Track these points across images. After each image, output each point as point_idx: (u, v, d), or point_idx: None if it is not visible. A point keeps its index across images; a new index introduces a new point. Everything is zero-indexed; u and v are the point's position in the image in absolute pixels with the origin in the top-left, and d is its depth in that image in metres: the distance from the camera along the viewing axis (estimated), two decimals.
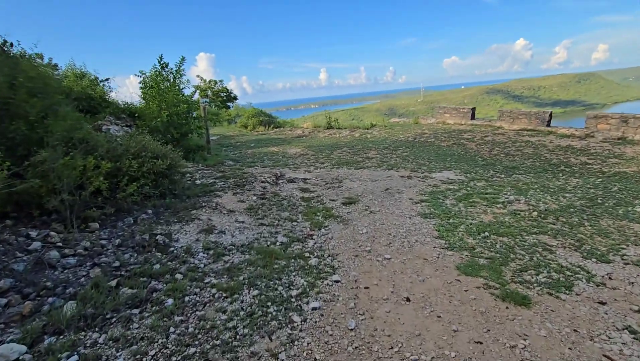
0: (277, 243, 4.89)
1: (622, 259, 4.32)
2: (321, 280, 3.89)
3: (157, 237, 4.69)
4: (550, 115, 13.73)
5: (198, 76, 28.30)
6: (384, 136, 15.15)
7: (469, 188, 7.47)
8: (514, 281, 3.76)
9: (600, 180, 8.00)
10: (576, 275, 3.90)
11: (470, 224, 5.50)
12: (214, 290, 3.60)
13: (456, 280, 3.81)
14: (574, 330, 2.94)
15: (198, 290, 3.61)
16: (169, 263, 4.15)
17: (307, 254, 4.55)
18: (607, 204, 6.38)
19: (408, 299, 3.46)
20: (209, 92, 30.23)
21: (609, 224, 5.49)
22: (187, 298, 3.44)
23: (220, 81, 31.27)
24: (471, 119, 16.66)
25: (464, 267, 4.07)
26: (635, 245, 4.77)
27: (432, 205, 6.41)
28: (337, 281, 3.85)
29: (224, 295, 3.53)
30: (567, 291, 3.56)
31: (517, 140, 12.51)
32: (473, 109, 16.89)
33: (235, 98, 32.15)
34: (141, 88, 9.96)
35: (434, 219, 5.76)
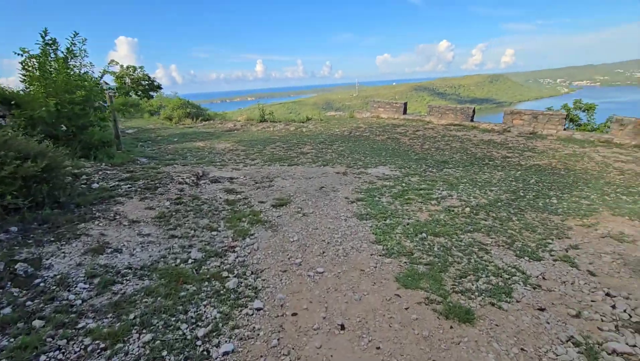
0: (189, 261, 4.01)
1: (551, 255, 4.32)
2: (239, 309, 3.15)
3: (16, 266, 3.49)
4: (474, 111, 14.57)
5: (113, 61, 24.79)
6: (319, 130, 14.70)
7: (404, 184, 7.29)
8: (455, 291, 3.44)
9: (519, 172, 8.44)
10: (513, 278, 3.74)
11: (407, 224, 5.20)
12: (87, 340, 2.66)
13: (396, 295, 3.37)
14: (522, 349, 2.66)
15: (64, 341, 2.63)
16: (29, 303, 3.05)
17: (225, 273, 3.77)
18: (528, 197, 6.64)
19: (342, 326, 2.91)
20: (127, 80, 26.89)
21: (533, 217, 5.63)
22: (42, 359, 2.45)
23: (141, 67, 27.98)
24: (403, 114, 17.05)
25: (403, 277, 3.66)
26: (559, 238, 4.88)
27: (369, 204, 6.03)
28: (259, 309, 3.16)
29: (102, 346, 2.61)
30: (508, 299, 3.34)
31: (445, 135, 12.97)
32: (405, 104, 17.30)
33: (159, 87, 29.08)
34: (22, 70, 8.01)
35: (370, 220, 5.36)
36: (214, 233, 4.84)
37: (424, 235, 4.81)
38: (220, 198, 6.25)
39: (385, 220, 5.34)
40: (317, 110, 28.45)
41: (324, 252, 4.32)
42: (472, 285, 3.58)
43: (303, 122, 16.94)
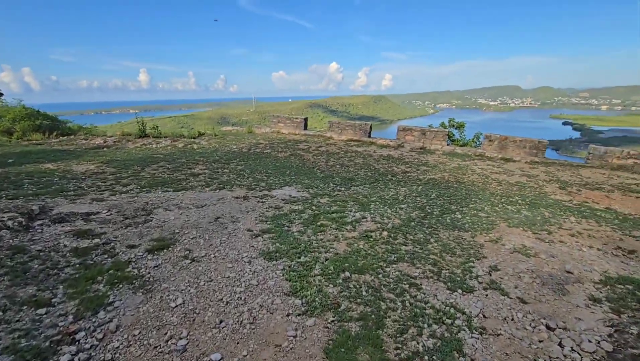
0: None
1: (479, 283, 4.00)
2: None
3: None
4: (371, 127, 15.06)
5: None
6: (214, 146, 13.06)
7: (314, 208, 6.48)
8: (401, 359, 2.64)
9: (420, 187, 8.59)
10: (455, 322, 3.18)
11: (326, 260, 4.33)
12: None
13: None
14: None
15: None
16: None
17: None
18: (435, 213, 6.57)
19: None
20: None
21: (447, 236, 5.43)
22: None
23: None
24: (304, 129, 16.69)
25: (335, 348, 2.70)
26: (477, 258, 4.68)
27: (277, 237, 4.97)
28: None
29: None
30: (462, 359, 2.69)
31: (347, 151, 12.92)
32: (305, 120, 16.98)
33: None
34: None
35: (281, 260, 4.30)
36: (43, 311, 3.10)
37: (347, 273, 4.00)
38: (65, 247, 4.34)
39: (299, 258, 4.36)
40: (212, 125, 26.26)
41: (221, 321, 3.07)
42: (417, 343, 2.85)
43: (194, 138, 14.96)
